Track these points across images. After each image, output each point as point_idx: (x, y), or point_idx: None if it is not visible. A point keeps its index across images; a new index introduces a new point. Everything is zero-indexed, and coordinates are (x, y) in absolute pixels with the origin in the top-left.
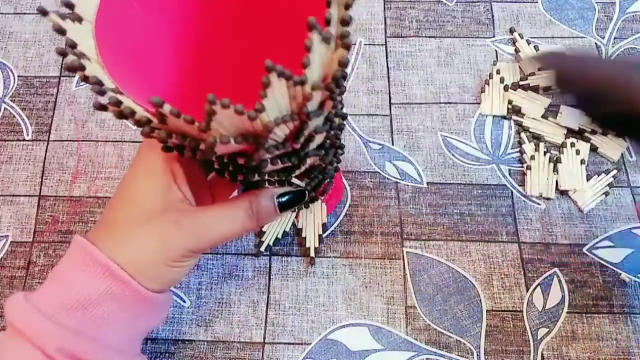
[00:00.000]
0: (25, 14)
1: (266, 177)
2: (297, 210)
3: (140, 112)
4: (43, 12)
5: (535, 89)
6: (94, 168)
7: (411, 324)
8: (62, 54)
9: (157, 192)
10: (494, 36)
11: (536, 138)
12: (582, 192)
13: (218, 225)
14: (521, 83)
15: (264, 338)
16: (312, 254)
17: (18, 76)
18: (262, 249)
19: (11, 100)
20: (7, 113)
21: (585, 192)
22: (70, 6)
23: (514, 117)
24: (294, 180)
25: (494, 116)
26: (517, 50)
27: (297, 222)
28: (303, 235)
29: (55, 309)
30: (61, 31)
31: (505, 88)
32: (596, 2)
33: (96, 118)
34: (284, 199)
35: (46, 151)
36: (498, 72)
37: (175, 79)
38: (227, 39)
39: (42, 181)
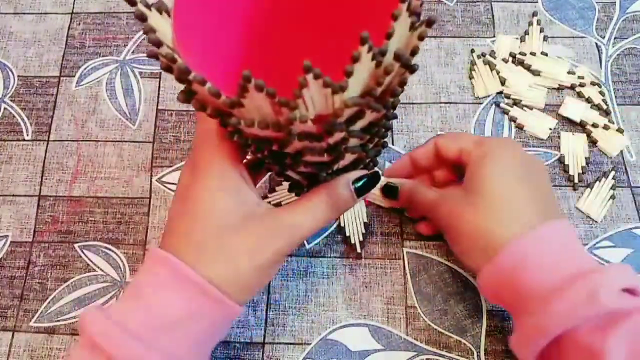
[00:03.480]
0: (25, 13)
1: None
2: None
3: (224, 96)
4: (131, 2)
5: (521, 63)
6: (93, 168)
7: (411, 324)
8: (148, 33)
9: (236, 200)
10: (494, 36)
11: (519, 128)
12: (590, 204)
13: (303, 222)
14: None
15: (264, 338)
16: (358, 249)
17: (18, 76)
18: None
19: (11, 100)
20: (7, 113)
21: (593, 202)
22: None
23: (502, 105)
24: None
25: (493, 117)
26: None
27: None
28: (347, 234)
29: (146, 330)
30: (142, 18)
31: (492, 67)
32: (596, 2)
33: (96, 118)
34: (359, 184)
35: (46, 151)
36: (479, 56)
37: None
38: (296, 27)
39: (41, 181)
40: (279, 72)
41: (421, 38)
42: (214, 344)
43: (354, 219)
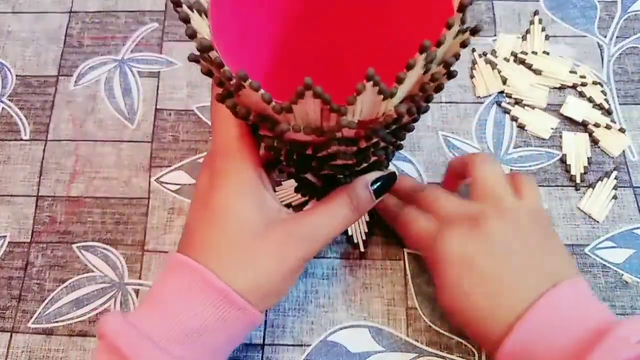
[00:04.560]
0: (23, 12)
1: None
2: None
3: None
4: (176, 3)
5: (522, 62)
6: (92, 168)
7: (412, 325)
8: (191, 36)
9: (257, 206)
10: (495, 35)
11: (521, 127)
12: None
13: (324, 227)
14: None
15: (264, 339)
16: (362, 248)
17: (16, 75)
18: None
19: (9, 100)
20: (4, 112)
21: (595, 203)
22: None
23: (503, 105)
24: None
25: (495, 116)
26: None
27: None
28: (349, 233)
29: (168, 338)
30: (186, 20)
31: (493, 66)
32: (598, 1)
33: (94, 118)
34: (377, 185)
35: (44, 151)
36: (480, 55)
37: (273, 71)
38: (328, 33)
39: (39, 181)
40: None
41: (464, 45)
42: (232, 349)
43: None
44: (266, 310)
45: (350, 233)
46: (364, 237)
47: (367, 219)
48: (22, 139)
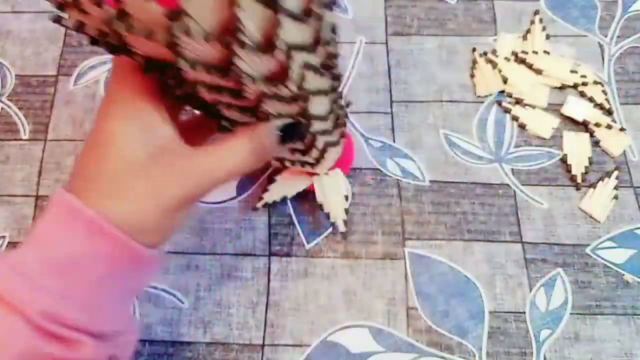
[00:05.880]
0: (22, 12)
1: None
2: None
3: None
4: None
5: (523, 61)
6: None
7: (412, 326)
8: None
9: (145, 133)
10: (496, 34)
11: (522, 127)
12: (594, 204)
13: (220, 166)
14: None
15: (264, 340)
16: (342, 228)
17: (15, 75)
18: (259, 205)
19: (8, 100)
20: (4, 112)
21: (596, 203)
22: None
23: (504, 104)
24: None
25: (495, 116)
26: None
27: (317, 194)
28: (326, 210)
29: (37, 270)
30: None
31: (493, 65)
32: (598, 1)
33: (93, 117)
34: (284, 130)
35: (43, 151)
36: (481, 55)
37: None
38: None
39: (39, 181)
40: None
41: None
42: (129, 292)
43: (332, 194)
44: (265, 310)
45: (327, 210)
46: (344, 217)
47: (345, 193)
48: (21, 139)
